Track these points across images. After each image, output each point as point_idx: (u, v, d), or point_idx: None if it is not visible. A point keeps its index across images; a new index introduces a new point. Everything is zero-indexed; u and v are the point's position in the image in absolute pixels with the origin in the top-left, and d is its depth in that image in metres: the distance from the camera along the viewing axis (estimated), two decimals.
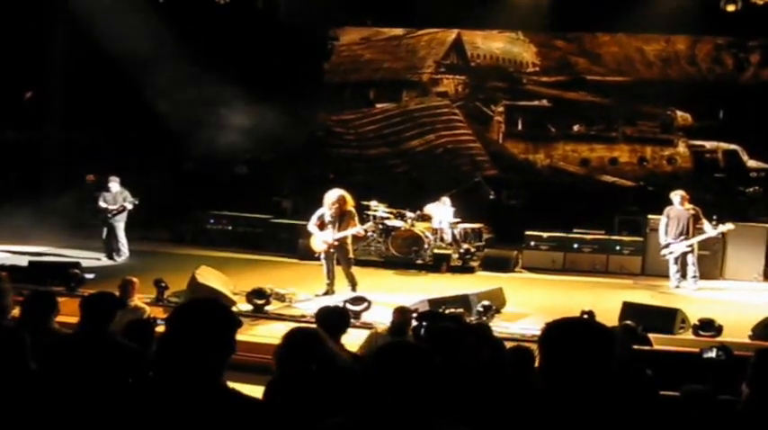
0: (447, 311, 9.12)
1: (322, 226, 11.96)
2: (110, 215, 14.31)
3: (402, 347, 2.80)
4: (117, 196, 14.41)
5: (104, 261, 14.34)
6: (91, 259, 14.05)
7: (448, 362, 3.91)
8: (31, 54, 18.33)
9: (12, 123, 19.42)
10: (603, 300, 11.81)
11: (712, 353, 6.96)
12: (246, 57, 17.78)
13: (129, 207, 14.36)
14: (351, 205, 12.05)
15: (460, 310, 9.64)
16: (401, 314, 7.09)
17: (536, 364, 5.12)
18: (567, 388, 2.77)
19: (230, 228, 16.94)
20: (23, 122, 19.53)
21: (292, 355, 3.50)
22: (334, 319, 5.70)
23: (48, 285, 11.02)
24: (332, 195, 11.89)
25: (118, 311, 5.51)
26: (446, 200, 15.57)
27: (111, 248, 14.51)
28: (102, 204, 14.35)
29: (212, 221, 17.09)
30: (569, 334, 2.90)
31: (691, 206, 13.22)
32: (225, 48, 17.36)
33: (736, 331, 9.58)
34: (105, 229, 14.44)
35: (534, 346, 6.11)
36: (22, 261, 12.57)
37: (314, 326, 5.48)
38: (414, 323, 6.62)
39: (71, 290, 10.92)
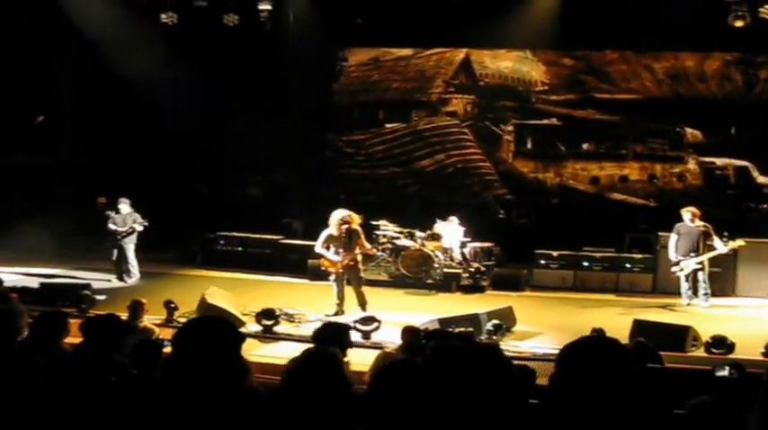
0: (457, 330, 9.08)
1: (329, 247, 11.97)
2: (119, 237, 14.35)
3: (402, 366, 2.77)
4: (127, 218, 14.45)
5: (115, 282, 14.38)
6: (101, 281, 14.10)
7: (455, 381, 3.89)
8: (41, 78, 18.49)
9: (23, 147, 19.57)
10: (614, 318, 11.75)
11: (725, 372, 6.88)
12: (255, 79, 17.87)
13: (139, 228, 14.41)
14: (356, 223, 12.06)
15: (470, 330, 9.60)
16: (410, 334, 7.05)
17: (536, 383, 5.10)
18: (581, 404, 2.76)
19: (240, 248, 16.93)
20: (34, 146, 19.67)
21: (307, 377, 3.41)
22: (333, 339, 5.42)
23: (58, 307, 11.05)
24: (337, 215, 11.91)
25: (126, 336, 5.50)
26: (454, 219, 15.55)
27: (121, 270, 14.55)
28: (111, 226, 14.39)
29: (222, 242, 17.09)
30: (590, 352, 2.88)
31: (701, 223, 13.16)
32: (234, 70, 17.44)
33: (749, 348, 9.51)
34: (115, 251, 14.49)
35: (539, 365, 6.09)
36: (33, 283, 12.63)
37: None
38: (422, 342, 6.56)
39: (82, 311, 10.94)
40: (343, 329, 6.15)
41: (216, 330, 2.97)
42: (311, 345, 6.11)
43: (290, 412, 3.25)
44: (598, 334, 9.38)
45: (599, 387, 2.77)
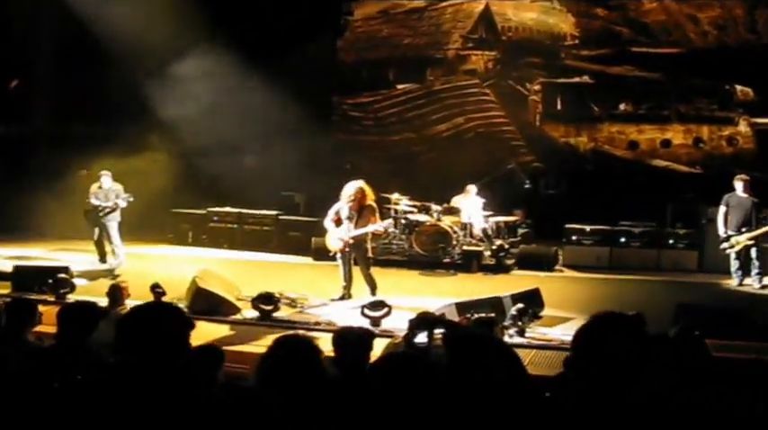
0: (476, 316, 8.95)
1: (339, 222, 11.85)
2: (102, 213, 14.21)
3: (398, 360, 2.77)
4: (109, 192, 14.27)
5: (97, 264, 14.30)
6: (82, 262, 14.05)
7: (462, 374, 3.79)
8: (17, 40, 18.42)
9: None
10: (655, 301, 11.60)
11: None
12: (250, 36, 17.73)
13: (123, 204, 14.21)
14: (371, 199, 11.89)
15: (491, 315, 9.46)
16: (411, 321, 6.89)
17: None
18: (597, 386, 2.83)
19: (236, 226, 16.97)
20: (9, 114, 19.62)
21: (280, 366, 3.46)
22: (354, 346, 5.38)
23: (35, 292, 11.04)
24: (350, 188, 11.75)
25: (100, 322, 5.48)
26: (472, 189, 15.43)
27: (103, 250, 14.46)
28: (93, 201, 14.22)
29: (216, 219, 17.12)
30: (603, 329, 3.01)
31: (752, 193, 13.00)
32: (227, 23, 17.30)
33: None
34: (97, 230, 14.36)
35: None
36: (7, 266, 12.57)
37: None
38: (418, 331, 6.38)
39: (60, 297, 10.89)
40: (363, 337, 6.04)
41: (161, 317, 3.17)
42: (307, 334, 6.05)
43: (263, 403, 3.29)
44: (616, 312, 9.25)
45: (614, 364, 2.89)
